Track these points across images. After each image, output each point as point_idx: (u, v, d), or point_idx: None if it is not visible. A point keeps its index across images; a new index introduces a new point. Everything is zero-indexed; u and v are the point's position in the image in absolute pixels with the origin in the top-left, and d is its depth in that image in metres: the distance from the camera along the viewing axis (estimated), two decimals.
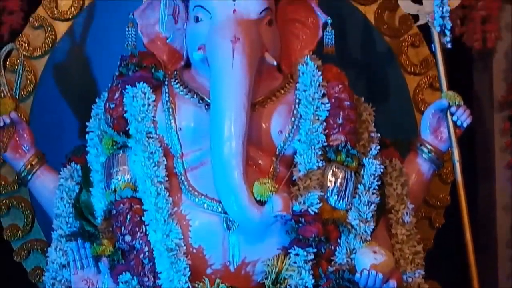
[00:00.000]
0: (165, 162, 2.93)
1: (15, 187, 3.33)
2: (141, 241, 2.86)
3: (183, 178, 2.94)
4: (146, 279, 2.85)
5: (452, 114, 3.04)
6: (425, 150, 3.09)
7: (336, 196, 2.90)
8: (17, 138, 3.09)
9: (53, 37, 3.35)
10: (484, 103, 3.59)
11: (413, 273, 2.98)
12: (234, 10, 2.91)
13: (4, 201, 3.35)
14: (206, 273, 2.85)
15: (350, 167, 2.95)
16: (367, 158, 2.98)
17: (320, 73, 3.00)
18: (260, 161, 2.94)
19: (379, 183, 2.97)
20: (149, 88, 2.98)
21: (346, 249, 2.87)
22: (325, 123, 2.96)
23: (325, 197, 2.90)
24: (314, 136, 2.94)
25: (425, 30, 3.19)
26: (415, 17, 3.18)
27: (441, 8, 3.05)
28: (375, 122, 3.10)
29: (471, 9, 3.44)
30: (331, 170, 2.93)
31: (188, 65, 3.07)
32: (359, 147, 3.01)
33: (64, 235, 3.03)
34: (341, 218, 2.89)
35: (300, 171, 2.93)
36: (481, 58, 3.57)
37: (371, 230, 2.91)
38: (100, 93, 3.17)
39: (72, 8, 3.36)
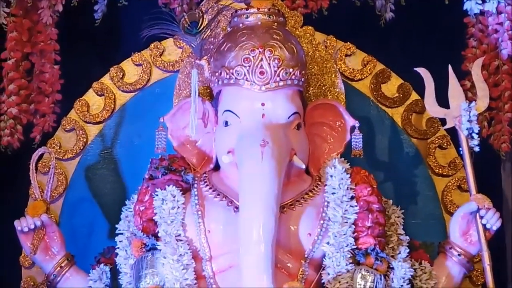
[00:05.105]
0: (194, 265, 2.94)
1: None
2: None
3: (211, 281, 2.95)
4: None
5: (481, 217, 3.02)
6: (455, 253, 3.07)
7: None
8: (47, 240, 3.11)
9: (85, 139, 3.40)
10: None
11: None
12: (263, 115, 2.96)
13: None
14: None
15: (380, 270, 2.94)
16: (396, 261, 2.98)
17: (348, 176, 3.02)
18: (289, 264, 2.94)
19: (409, 286, 2.96)
20: (179, 191, 3.00)
21: None
22: (353, 226, 2.96)
23: None
24: (343, 239, 2.94)
25: (453, 131, 3.20)
26: (443, 120, 3.20)
27: (468, 112, 3.07)
28: (404, 224, 3.10)
29: (498, 111, 3.44)
30: (360, 274, 2.92)
31: (217, 168, 3.11)
32: (388, 250, 3.01)
33: None
34: None
35: (329, 274, 2.93)
36: (509, 160, 3.56)
37: None
38: (129, 196, 3.20)
39: (104, 112, 3.41)
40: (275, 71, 2.97)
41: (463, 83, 3.34)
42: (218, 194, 3.00)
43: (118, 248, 3.06)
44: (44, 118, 3.42)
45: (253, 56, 2.97)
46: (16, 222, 3.08)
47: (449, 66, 3.18)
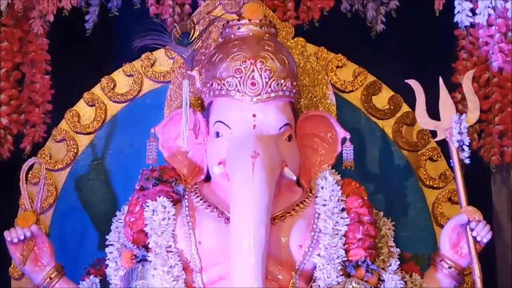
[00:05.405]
0: (184, 277, 2.93)
1: None
2: None
3: None
4: None
5: (472, 230, 3.02)
6: (445, 265, 3.07)
7: None
8: (37, 251, 3.09)
9: (75, 150, 3.39)
10: (503, 218, 3.58)
11: None
12: (254, 126, 2.96)
13: None
14: None
15: (370, 282, 2.94)
16: (387, 273, 2.98)
17: (339, 187, 3.02)
18: (279, 276, 2.93)
19: None
20: (169, 202, 2.99)
21: None
22: (344, 238, 2.96)
23: None
24: (334, 251, 2.94)
25: (443, 144, 3.21)
26: (433, 132, 3.21)
27: (459, 125, 3.08)
28: (395, 236, 3.10)
29: (488, 123, 3.45)
30: (351, 286, 2.92)
31: (208, 178, 3.10)
32: (379, 262, 3.01)
33: None
34: None
35: (319, 286, 2.92)
36: (499, 172, 3.57)
37: None
38: (120, 206, 3.20)
39: (95, 122, 3.40)
40: (267, 82, 2.97)
41: (454, 95, 3.35)
42: (209, 205, 3.00)
43: (108, 259, 3.05)
44: (34, 128, 3.42)
45: (244, 67, 2.98)
46: (5, 233, 3.07)
47: (440, 78, 3.19)
